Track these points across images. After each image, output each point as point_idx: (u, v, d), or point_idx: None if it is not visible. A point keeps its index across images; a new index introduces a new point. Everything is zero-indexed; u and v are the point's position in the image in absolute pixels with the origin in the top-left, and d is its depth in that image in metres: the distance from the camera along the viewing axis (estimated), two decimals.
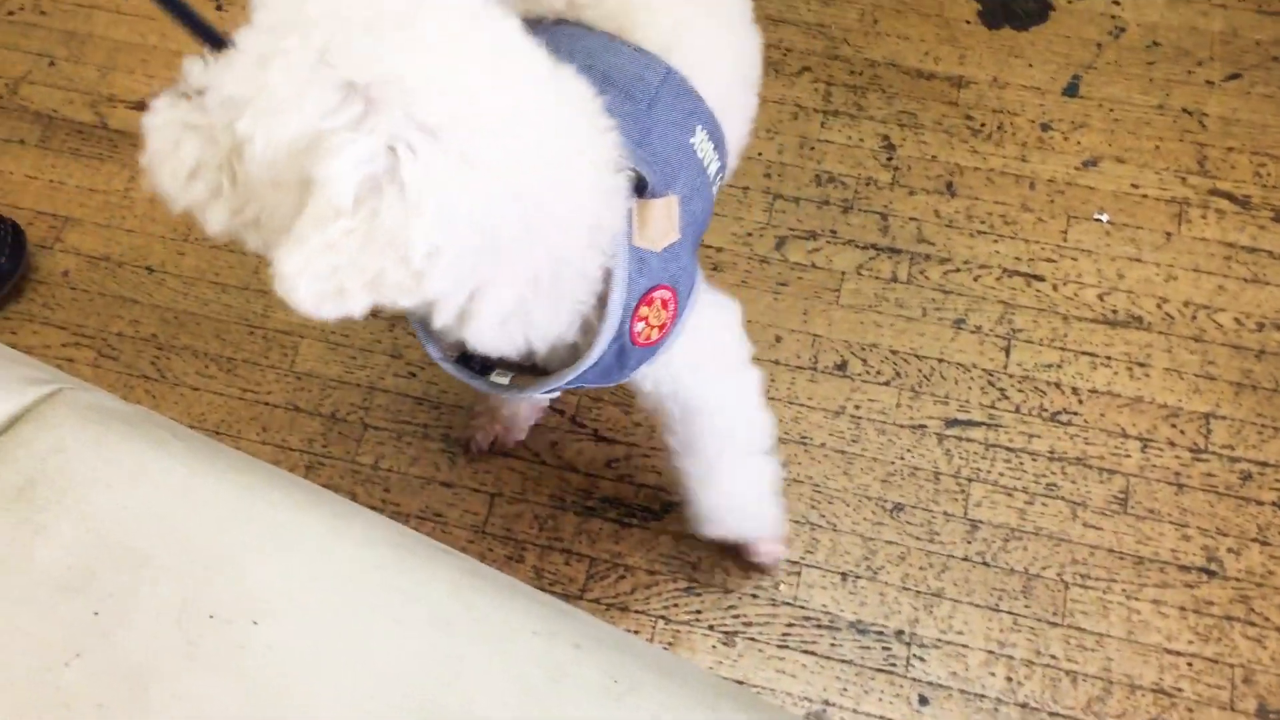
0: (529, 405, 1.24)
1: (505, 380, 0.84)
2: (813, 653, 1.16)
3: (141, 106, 1.49)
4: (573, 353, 0.81)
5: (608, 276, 0.77)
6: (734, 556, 1.19)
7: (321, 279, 0.62)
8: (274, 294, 1.41)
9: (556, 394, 0.89)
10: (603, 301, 0.78)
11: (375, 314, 0.80)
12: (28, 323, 1.35)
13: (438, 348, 0.85)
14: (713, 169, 0.90)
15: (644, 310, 0.79)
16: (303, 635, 0.67)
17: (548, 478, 1.26)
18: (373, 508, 0.90)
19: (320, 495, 0.76)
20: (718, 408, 0.99)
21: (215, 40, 0.71)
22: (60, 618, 0.67)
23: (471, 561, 0.76)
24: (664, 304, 0.81)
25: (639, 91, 0.82)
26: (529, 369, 0.84)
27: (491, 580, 0.74)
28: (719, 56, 0.94)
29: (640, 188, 0.77)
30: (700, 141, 0.88)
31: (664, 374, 0.90)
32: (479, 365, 0.84)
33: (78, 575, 0.68)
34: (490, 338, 0.75)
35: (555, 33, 0.86)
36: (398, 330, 1.34)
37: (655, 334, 0.83)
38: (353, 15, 0.63)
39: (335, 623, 0.67)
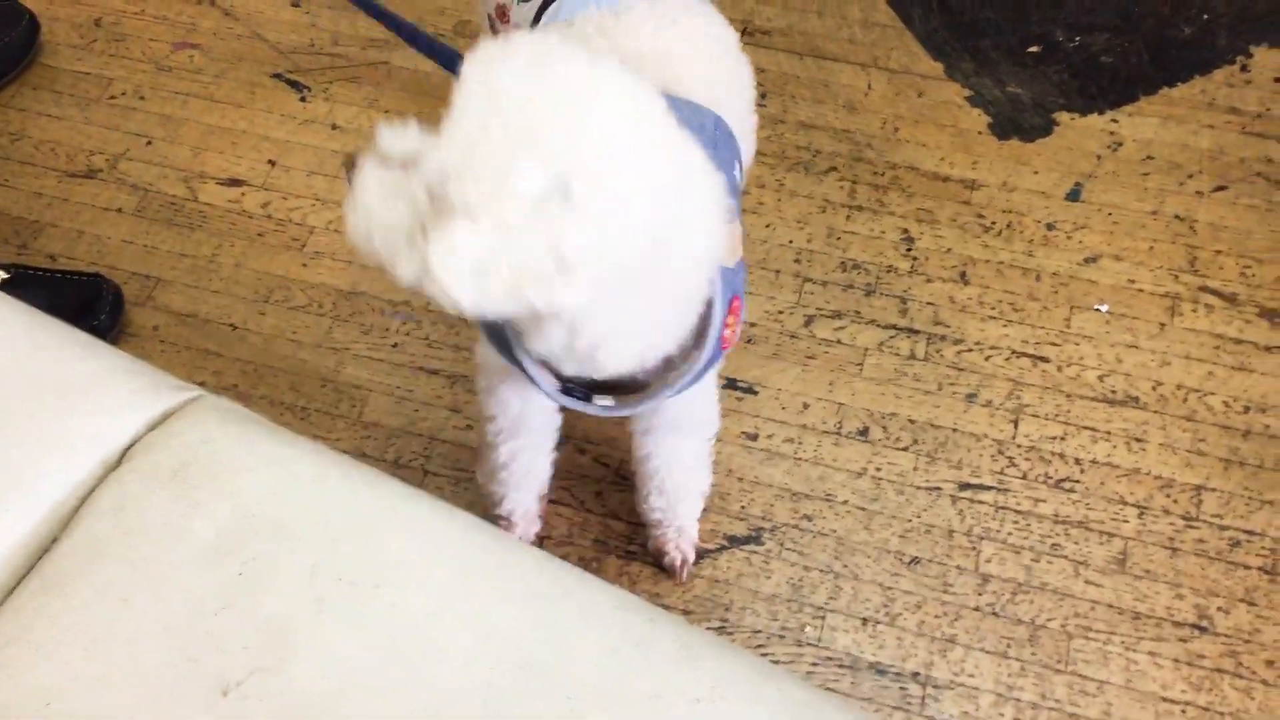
0: (542, 500, 1.34)
1: (610, 402, 0.96)
2: (834, 690, 1.25)
3: (232, 183, 1.65)
4: (666, 366, 0.93)
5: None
6: (653, 564, 1.34)
7: (477, 265, 0.72)
8: (346, 351, 1.54)
9: (624, 412, 1.01)
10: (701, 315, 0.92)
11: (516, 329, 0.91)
12: None
13: (549, 380, 0.97)
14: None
15: (729, 318, 0.93)
16: (419, 598, 0.78)
17: (592, 524, 1.37)
18: None
19: (425, 494, 0.88)
20: (702, 403, 1.15)
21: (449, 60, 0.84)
22: (211, 576, 0.78)
23: (554, 557, 0.88)
24: (735, 310, 0.94)
25: (704, 137, 0.96)
26: (626, 389, 0.96)
27: (571, 567, 0.85)
28: (739, 95, 1.12)
29: None
30: (738, 173, 1.05)
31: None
32: (581, 393, 0.96)
33: (226, 542, 0.79)
34: (621, 357, 0.88)
35: None
36: (458, 388, 1.47)
37: (733, 337, 0.97)
38: (540, 104, 0.74)
39: (446, 589, 0.79)
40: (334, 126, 1.71)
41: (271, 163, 1.67)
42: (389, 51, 1.79)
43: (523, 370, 0.98)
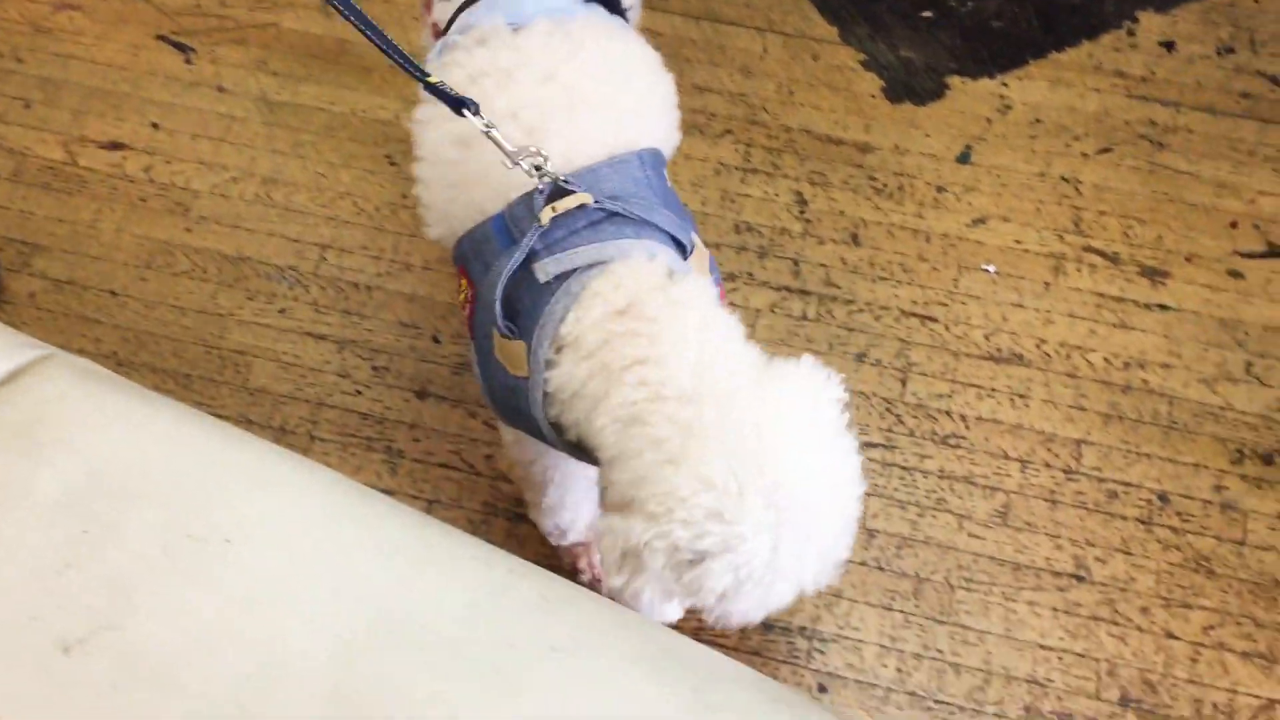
0: None
1: None
2: (722, 645, 1.26)
3: (113, 147, 1.60)
4: None
5: None
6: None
7: None
8: (231, 317, 1.51)
9: None
10: None
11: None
12: None
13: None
14: None
15: None
16: (272, 554, 0.77)
17: (481, 487, 1.36)
18: None
19: (290, 453, 0.86)
20: None
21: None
22: (55, 534, 0.76)
23: (419, 513, 0.87)
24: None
25: (638, 185, 1.00)
26: None
27: (437, 523, 0.84)
28: (664, 113, 1.12)
29: None
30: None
31: None
32: None
33: (71, 500, 0.77)
34: None
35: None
36: (346, 352, 1.45)
37: None
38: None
39: (302, 544, 0.77)
40: (220, 89, 1.67)
41: (155, 126, 1.63)
42: (279, 13, 1.76)
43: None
